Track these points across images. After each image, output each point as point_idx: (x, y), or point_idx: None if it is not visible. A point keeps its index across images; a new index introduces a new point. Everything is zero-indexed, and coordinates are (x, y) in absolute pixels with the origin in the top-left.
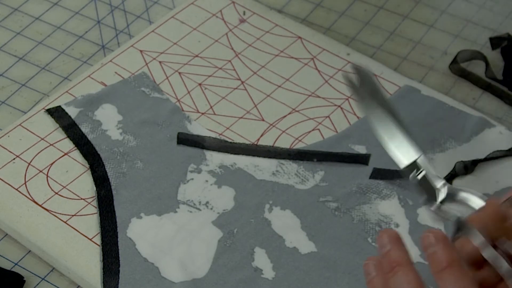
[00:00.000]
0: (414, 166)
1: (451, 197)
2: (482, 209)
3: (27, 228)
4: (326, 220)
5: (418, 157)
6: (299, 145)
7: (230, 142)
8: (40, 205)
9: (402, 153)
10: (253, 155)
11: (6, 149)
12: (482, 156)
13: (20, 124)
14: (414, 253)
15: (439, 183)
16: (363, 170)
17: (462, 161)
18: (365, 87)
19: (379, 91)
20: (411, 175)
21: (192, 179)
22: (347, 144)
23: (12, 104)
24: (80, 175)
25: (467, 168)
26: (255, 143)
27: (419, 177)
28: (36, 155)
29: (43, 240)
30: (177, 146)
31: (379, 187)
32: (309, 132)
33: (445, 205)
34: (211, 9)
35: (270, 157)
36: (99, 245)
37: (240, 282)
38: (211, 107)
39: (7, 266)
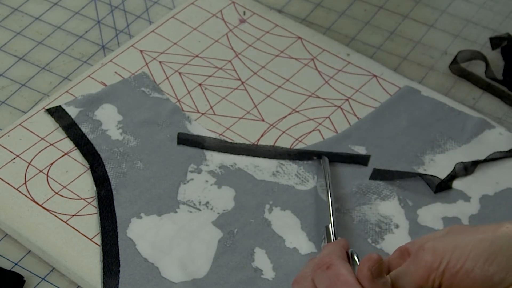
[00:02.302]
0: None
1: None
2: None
3: (27, 228)
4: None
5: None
6: (299, 146)
7: (230, 142)
8: (40, 205)
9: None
10: (253, 156)
11: (6, 149)
12: (482, 157)
13: (20, 124)
14: None
15: None
16: (363, 170)
17: (462, 162)
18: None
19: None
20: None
21: (192, 179)
22: (347, 145)
23: (12, 104)
24: (80, 175)
25: (467, 169)
26: (255, 143)
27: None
28: (36, 155)
29: (43, 240)
30: (177, 146)
31: (379, 187)
32: (309, 132)
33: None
34: (211, 9)
35: (270, 157)
36: (99, 245)
37: (240, 282)
38: (211, 107)
39: (7, 266)
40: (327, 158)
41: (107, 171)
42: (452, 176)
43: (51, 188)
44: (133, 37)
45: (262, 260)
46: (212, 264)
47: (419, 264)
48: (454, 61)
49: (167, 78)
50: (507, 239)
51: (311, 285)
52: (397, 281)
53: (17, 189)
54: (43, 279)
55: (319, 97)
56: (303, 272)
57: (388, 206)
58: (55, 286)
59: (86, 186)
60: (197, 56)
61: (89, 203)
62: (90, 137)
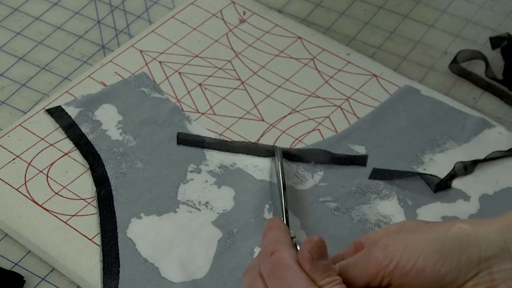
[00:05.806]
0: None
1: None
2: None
3: (27, 228)
4: (326, 220)
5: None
6: (299, 145)
7: (230, 141)
8: (40, 205)
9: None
10: (253, 154)
11: (6, 149)
12: (481, 157)
13: (20, 124)
14: None
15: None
16: (363, 170)
17: (461, 161)
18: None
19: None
20: None
21: (192, 179)
22: (346, 144)
23: (12, 104)
24: (80, 175)
25: (467, 168)
26: (255, 143)
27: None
28: (36, 155)
29: (43, 240)
30: (177, 146)
31: (378, 187)
32: (309, 132)
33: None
34: (211, 9)
35: (270, 156)
36: (99, 245)
37: (240, 282)
38: (211, 107)
39: (7, 266)
40: (280, 148)
41: (107, 171)
42: (452, 175)
43: (51, 188)
44: (133, 37)
45: None
46: (212, 264)
47: (369, 260)
48: (454, 60)
49: (167, 78)
50: (459, 239)
51: (257, 272)
52: (346, 271)
53: (17, 189)
54: (43, 279)
55: (319, 97)
56: (252, 262)
57: (388, 206)
58: (55, 286)
59: (86, 186)
60: (197, 56)
61: (89, 203)
62: (90, 137)
